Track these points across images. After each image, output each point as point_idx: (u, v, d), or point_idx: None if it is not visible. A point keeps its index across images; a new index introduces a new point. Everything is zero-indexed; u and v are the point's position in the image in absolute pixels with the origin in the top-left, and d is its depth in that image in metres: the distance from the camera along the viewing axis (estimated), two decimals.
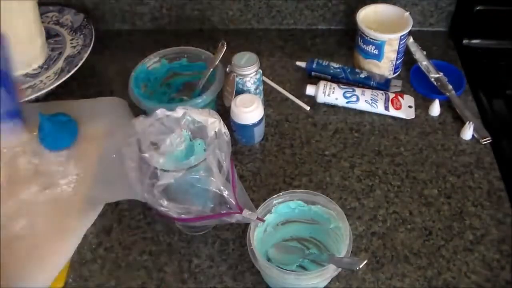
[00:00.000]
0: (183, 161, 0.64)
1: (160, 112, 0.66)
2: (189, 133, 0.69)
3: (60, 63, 0.94)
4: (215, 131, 0.65)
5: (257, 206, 0.66)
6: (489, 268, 0.68)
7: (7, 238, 0.71)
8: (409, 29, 0.89)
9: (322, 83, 0.90)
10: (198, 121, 0.67)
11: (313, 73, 0.95)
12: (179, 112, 0.66)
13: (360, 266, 0.58)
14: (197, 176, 0.63)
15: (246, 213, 0.63)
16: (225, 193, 0.63)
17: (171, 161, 0.66)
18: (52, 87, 0.88)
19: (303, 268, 0.68)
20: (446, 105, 0.89)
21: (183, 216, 0.64)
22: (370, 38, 0.90)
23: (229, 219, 0.64)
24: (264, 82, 0.90)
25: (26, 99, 0.86)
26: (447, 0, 1.00)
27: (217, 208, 0.64)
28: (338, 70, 0.94)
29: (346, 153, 0.83)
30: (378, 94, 0.89)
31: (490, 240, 0.71)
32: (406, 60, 0.96)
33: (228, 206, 0.64)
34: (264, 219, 0.66)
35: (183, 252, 0.71)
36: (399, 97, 0.89)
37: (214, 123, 0.65)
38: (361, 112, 0.89)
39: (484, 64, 0.98)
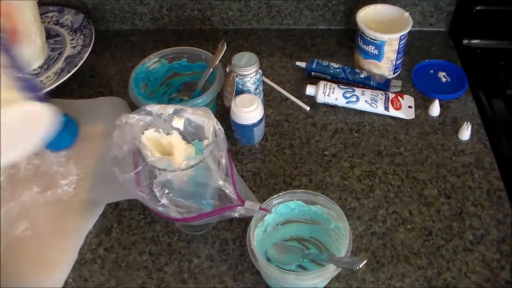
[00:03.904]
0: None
1: (149, 107, 0.65)
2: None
3: (60, 63, 0.94)
4: (211, 132, 0.64)
5: None
6: (489, 268, 0.68)
7: (9, 241, 0.71)
8: (409, 29, 0.89)
9: (322, 83, 0.90)
10: (194, 122, 0.66)
11: (313, 73, 0.95)
12: (169, 109, 0.66)
13: (360, 266, 0.58)
14: (196, 173, 0.63)
15: (248, 204, 0.63)
16: (225, 187, 0.63)
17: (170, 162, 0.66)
18: (52, 87, 0.88)
19: (303, 268, 0.68)
20: (446, 105, 0.89)
21: (185, 215, 0.64)
22: (370, 38, 0.90)
23: (232, 213, 0.64)
24: (264, 82, 0.90)
25: None
26: (447, 0, 1.00)
27: (218, 204, 0.64)
28: (338, 70, 0.94)
29: (346, 153, 0.83)
30: (378, 94, 0.89)
31: (490, 240, 0.71)
32: (406, 60, 0.97)
33: (229, 200, 0.63)
34: (268, 209, 0.65)
35: (183, 252, 0.71)
36: (399, 97, 0.89)
37: (209, 123, 0.64)
38: (361, 112, 0.89)
39: (484, 64, 0.97)
